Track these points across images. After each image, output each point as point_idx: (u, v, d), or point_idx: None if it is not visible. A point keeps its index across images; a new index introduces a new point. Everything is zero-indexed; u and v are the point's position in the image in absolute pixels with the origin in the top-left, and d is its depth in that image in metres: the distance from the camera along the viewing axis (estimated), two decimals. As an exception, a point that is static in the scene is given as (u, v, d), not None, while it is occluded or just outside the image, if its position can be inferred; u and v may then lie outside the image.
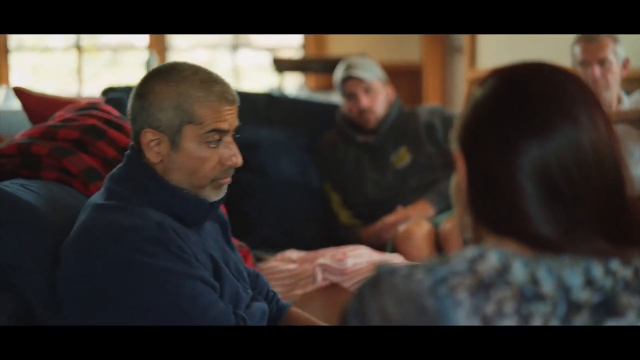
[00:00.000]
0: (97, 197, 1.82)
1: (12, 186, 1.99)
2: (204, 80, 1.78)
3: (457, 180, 1.08)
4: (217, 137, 1.78)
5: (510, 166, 1.00)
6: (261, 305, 1.94)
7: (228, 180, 1.84)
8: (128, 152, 1.85)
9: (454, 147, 1.08)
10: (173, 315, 1.68)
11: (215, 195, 1.83)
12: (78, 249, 1.76)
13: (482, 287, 0.96)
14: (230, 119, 1.80)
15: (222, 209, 2.15)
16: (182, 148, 1.78)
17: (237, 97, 1.83)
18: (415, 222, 3.17)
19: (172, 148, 1.78)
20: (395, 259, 2.65)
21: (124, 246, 1.69)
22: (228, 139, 1.81)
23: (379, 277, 0.99)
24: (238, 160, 1.81)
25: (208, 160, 1.79)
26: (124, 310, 1.69)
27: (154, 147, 1.79)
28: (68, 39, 6.83)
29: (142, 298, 1.68)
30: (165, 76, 1.79)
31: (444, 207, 3.27)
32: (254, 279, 2.05)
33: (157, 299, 1.68)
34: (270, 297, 2.06)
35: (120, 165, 1.86)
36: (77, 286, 1.73)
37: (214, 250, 1.87)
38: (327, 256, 2.61)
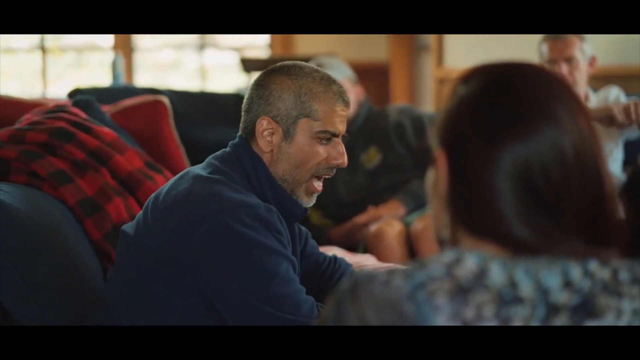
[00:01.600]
0: (198, 169, 1.83)
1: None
2: (323, 77, 1.85)
3: (435, 179, 1.07)
4: (328, 136, 1.83)
5: (491, 167, 1.00)
6: None
7: (321, 188, 1.88)
8: (234, 141, 1.87)
9: (435, 145, 1.07)
10: (267, 293, 1.70)
11: (307, 201, 1.87)
12: (177, 214, 1.75)
13: (461, 292, 0.95)
14: (342, 121, 1.85)
15: None
16: (295, 140, 1.82)
17: (349, 102, 1.89)
18: (387, 222, 3.18)
19: (285, 139, 1.82)
20: (368, 259, 2.65)
21: (229, 217, 1.71)
22: (337, 140, 1.85)
23: (357, 284, 0.98)
24: (344, 161, 1.86)
25: (317, 155, 1.83)
26: (216, 276, 1.71)
27: (267, 136, 1.83)
28: (32, 40, 6.76)
29: (240, 271, 1.71)
30: (287, 70, 1.85)
31: (415, 206, 3.27)
32: (332, 262, 2.07)
33: (255, 273, 1.71)
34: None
35: (224, 149, 1.88)
36: (172, 248, 1.74)
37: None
38: (299, 257, 2.60)
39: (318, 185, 1.87)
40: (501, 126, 1.01)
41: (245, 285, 1.70)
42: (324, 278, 2.04)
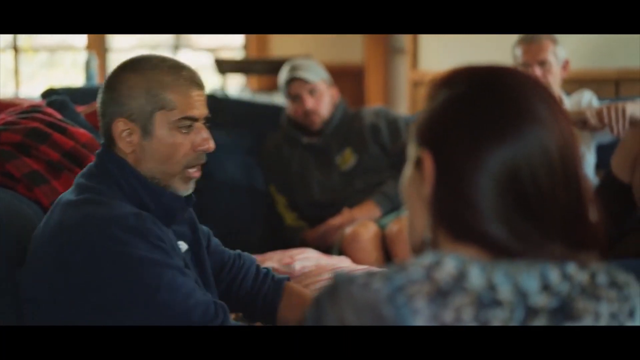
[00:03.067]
0: (67, 195, 1.81)
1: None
2: (172, 66, 1.81)
3: (414, 181, 1.07)
4: (188, 123, 1.80)
5: (479, 168, 1.00)
6: None
7: (197, 174, 1.85)
8: (98, 150, 1.85)
9: (413, 146, 1.07)
10: (154, 306, 1.68)
11: (185, 189, 1.84)
12: (55, 246, 1.74)
13: (440, 295, 0.96)
14: (200, 105, 1.82)
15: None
16: (155, 135, 1.79)
17: (204, 84, 1.86)
18: (362, 224, 3.18)
19: (144, 136, 1.79)
20: (343, 261, 2.65)
21: (102, 237, 1.69)
22: (199, 125, 1.82)
23: (337, 286, 0.99)
24: (210, 145, 1.82)
25: (181, 146, 1.80)
26: (104, 303, 1.69)
27: (125, 137, 1.80)
28: (4, 39, 6.70)
29: (122, 290, 1.68)
30: (133, 66, 1.81)
31: (390, 208, 3.28)
32: (236, 259, 2.06)
33: (137, 290, 1.68)
34: (263, 273, 2.08)
35: (90, 163, 1.85)
36: (55, 283, 1.72)
37: (184, 251, 1.88)
38: (274, 259, 2.59)
39: (193, 172, 1.83)
40: (488, 127, 1.01)
41: (133, 305, 1.68)
42: (230, 275, 2.05)
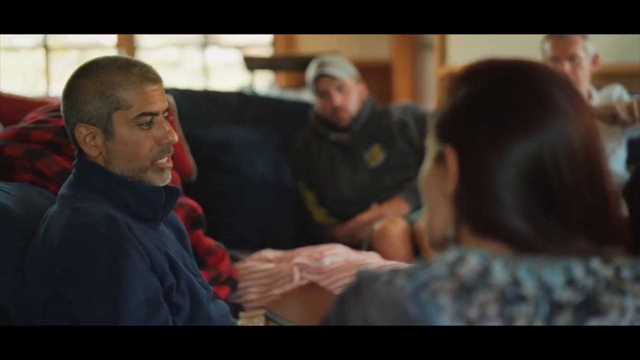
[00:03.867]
0: (53, 208, 1.86)
1: (-15, 188, 1.97)
2: (122, 65, 1.83)
3: (437, 177, 1.06)
4: (148, 119, 1.82)
5: (504, 160, 1.00)
6: (224, 304, 2.02)
7: (169, 163, 1.87)
8: (75, 160, 1.89)
9: (435, 141, 1.06)
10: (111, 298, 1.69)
11: (160, 179, 1.86)
12: (36, 256, 1.79)
13: (464, 291, 0.96)
14: (157, 99, 1.83)
15: (179, 216, 2.23)
16: (116, 135, 1.82)
17: (160, 77, 1.87)
18: (391, 220, 3.18)
19: (107, 138, 1.82)
20: (372, 257, 2.66)
21: (76, 245, 1.71)
22: (159, 119, 1.84)
23: (360, 284, 0.99)
24: (174, 137, 1.84)
25: (144, 142, 1.82)
26: (74, 313, 1.70)
27: (90, 142, 1.83)
28: (35, 38, 6.76)
29: (86, 315, 1.69)
30: (85, 71, 1.84)
31: (419, 204, 3.27)
32: None
33: (100, 314, 1.69)
34: None
35: (71, 174, 1.89)
36: (39, 293, 1.76)
37: (171, 248, 1.90)
38: (304, 255, 2.61)
39: (164, 162, 1.85)
40: (512, 120, 1.01)
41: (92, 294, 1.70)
42: None
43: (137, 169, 1.83)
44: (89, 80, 1.82)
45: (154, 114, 1.82)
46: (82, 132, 1.83)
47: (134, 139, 1.82)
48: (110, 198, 1.82)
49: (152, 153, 1.83)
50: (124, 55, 1.87)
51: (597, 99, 3.26)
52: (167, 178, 1.87)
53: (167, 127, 1.84)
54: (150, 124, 1.82)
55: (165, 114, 1.86)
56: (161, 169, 1.85)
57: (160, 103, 1.84)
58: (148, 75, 1.83)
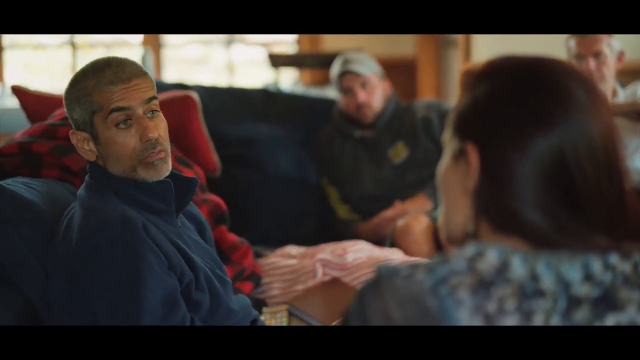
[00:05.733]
0: (74, 205, 1.89)
1: (14, 184, 2.00)
2: (97, 68, 1.84)
3: (457, 173, 1.07)
4: (122, 117, 1.82)
5: (526, 156, 1.00)
6: (245, 297, 2.04)
7: (160, 154, 1.86)
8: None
9: (459, 139, 1.07)
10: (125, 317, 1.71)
11: (154, 174, 1.86)
12: (57, 253, 1.82)
13: (483, 286, 0.96)
14: (128, 95, 1.82)
15: (203, 212, 2.26)
16: (102, 138, 1.84)
17: (137, 72, 1.85)
18: (414, 216, 3.18)
19: (96, 142, 1.85)
20: (395, 254, 2.66)
21: (92, 246, 1.74)
22: (138, 115, 1.84)
23: (380, 279, 1.00)
24: (154, 133, 1.84)
25: (126, 141, 1.83)
26: (93, 311, 1.73)
27: (84, 147, 1.86)
28: (61, 36, 6.82)
29: (105, 316, 1.72)
30: (71, 79, 1.87)
31: (442, 201, 3.27)
32: None
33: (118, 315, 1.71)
34: None
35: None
36: (59, 289, 1.80)
37: (190, 240, 1.91)
38: (327, 251, 2.61)
39: (154, 155, 1.85)
40: (534, 115, 1.01)
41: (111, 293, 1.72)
42: None
43: (127, 169, 1.85)
44: (72, 87, 1.86)
45: (123, 109, 1.82)
46: (76, 138, 1.87)
47: (116, 140, 1.83)
48: (122, 197, 1.84)
49: (136, 151, 1.84)
50: (107, 57, 1.88)
51: (622, 95, 3.24)
52: (162, 170, 1.86)
53: (147, 123, 1.83)
54: (127, 122, 1.83)
55: (152, 110, 1.85)
56: (151, 163, 1.85)
57: (131, 99, 1.82)
58: (120, 76, 1.83)
